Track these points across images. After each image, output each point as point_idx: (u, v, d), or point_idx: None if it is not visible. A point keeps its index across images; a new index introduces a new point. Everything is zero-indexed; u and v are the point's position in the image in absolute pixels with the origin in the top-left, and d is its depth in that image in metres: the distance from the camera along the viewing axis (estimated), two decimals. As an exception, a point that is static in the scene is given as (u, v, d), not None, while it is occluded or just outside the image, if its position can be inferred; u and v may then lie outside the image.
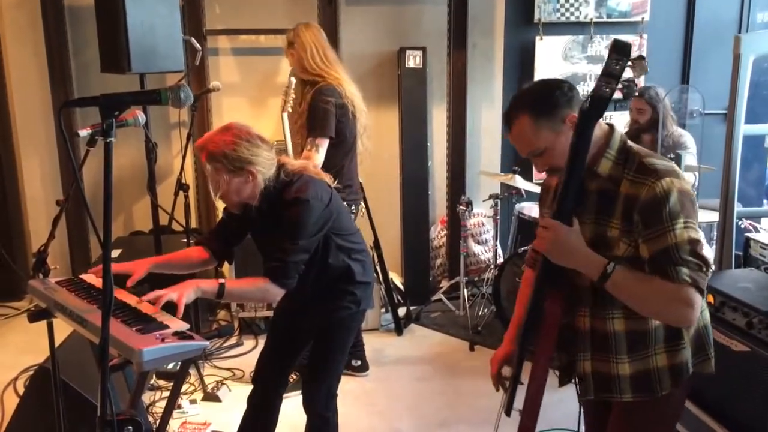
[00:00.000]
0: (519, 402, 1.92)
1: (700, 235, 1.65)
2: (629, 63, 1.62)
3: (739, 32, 4.96)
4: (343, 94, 3.29)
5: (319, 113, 3.23)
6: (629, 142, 1.76)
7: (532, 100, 1.72)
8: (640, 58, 1.65)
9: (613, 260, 1.66)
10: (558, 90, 1.71)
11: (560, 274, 1.76)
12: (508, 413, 1.97)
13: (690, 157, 4.05)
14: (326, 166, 3.22)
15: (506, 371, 2.07)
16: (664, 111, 3.98)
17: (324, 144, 3.24)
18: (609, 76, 1.59)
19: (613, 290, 1.65)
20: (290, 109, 3.38)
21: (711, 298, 2.64)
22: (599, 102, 1.60)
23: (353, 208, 3.46)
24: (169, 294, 2.04)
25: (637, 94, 4.07)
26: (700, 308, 1.64)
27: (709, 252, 3.97)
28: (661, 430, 1.89)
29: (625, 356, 1.76)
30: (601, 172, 1.71)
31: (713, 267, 1.65)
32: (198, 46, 3.92)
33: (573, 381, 1.95)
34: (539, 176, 4.93)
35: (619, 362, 1.77)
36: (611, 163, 1.70)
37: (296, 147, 3.43)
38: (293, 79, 3.42)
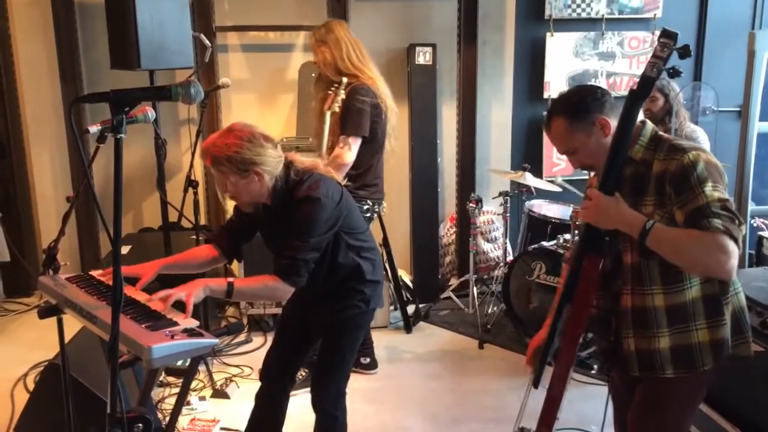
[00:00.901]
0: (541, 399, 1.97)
1: (729, 198, 1.76)
2: (674, 46, 1.76)
3: (753, 29, 4.91)
4: (378, 94, 3.26)
5: (354, 112, 3.18)
6: (660, 132, 1.91)
7: (568, 105, 1.92)
8: (686, 46, 1.78)
9: None
10: (591, 96, 1.91)
11: (600, 243, 1.91)
12: (536, 386, 2.08)
13: None
14: (354, 165, 3.21)
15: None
16: (677, 100, 3.94)
17: (357, 143, 3.21)
18: (657, 57, 1.76)
19: (653, 245, 1.76)
20: (337, 108, 3.19)
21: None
22: (646, 81, 1.79)
23: (377, 207, 3.44)
24: (178, 293, 2.04)
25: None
26: (736, 261, 1.71)
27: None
28: (689, 408, 1.96)
29: (665, 329, 1.86)
30: (634, 157, 1.87)
31: (745, 226, 1.76)
32: (207, 42, 3.91)
33: (608, 378, 2.10)
34: (549, 173, 4.92)
35: (659, 336, 1.86)
36: (643, 149, 1.87)
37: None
38: (345, 79, 3.24)
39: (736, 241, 1.69)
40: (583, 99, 1.90)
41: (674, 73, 1.80)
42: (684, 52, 1.75)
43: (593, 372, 3.57)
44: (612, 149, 1.85)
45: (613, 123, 1.88)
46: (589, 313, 1.92)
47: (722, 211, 1.71)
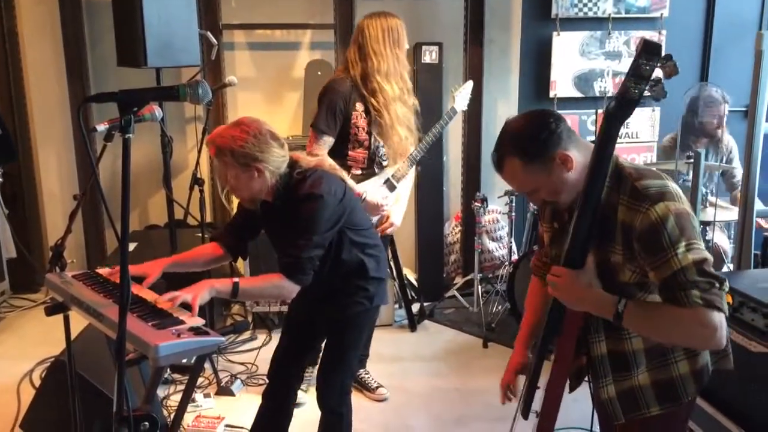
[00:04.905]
0: (536, 407, 1.91)
1: (706, 254, 1.58)
2: (659, 63, 1.52)
3: (760, 28, 4.88)
4: None
5: None
6: (620, 160, 1.70)
7: (520, 145, 1.68)
8: (669, 57, 1.52)
9: (622, 286, 1.65)
10: (545, 130, 1.65)
11: None
12: (525, 416, 1.95)
13: (739, 171, 4.01)
14: None
15: (517, 383, 2.07)
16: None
17: None
18: (638, 77, 1.52)
19: (629, 326, 1.64)
20: None
21: (729, 298, 2.61)
22: (627, 104, 1.54)
23: None
24: (184, 295, 2.05)
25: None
26: (724, 331, 1.56)
27: (725, 255, 3.94)
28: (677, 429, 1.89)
29: (643, 367, 1.75)
30: None
31: (727, 283, 1.59)
32: (214, 40, 3.92)
33: (587, 382, 1.94)
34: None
35: (639, 374, 1.75)
36: (606, 188, 1.65)
37: None
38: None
39: (719, 309, 1.54)
40: (536, 135, 1.65)
41: (657, 94, 1.51)
42: (671, 71, 1.50)
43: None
44: (582, 205, 1.60)
45: (573, 154, 1.64)
46: (573, 354, 1.78)
47: (699, 277, 1.54)
